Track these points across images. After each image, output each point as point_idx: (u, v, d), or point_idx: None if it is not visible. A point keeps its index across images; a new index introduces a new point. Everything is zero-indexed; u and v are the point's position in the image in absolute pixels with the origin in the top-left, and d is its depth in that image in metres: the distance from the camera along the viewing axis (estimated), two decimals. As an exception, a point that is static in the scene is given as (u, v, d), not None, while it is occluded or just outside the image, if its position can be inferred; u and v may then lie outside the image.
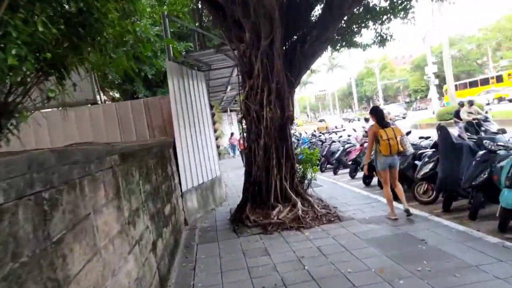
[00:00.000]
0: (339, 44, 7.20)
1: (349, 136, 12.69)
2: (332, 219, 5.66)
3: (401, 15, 6.78)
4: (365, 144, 9.52)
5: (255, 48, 6.00)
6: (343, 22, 6.79)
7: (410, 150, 5.71)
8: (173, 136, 6.44)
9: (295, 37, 6.17)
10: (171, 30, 11.24)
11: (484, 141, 4.99)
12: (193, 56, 7.58)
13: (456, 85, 42.03)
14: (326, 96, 70.45)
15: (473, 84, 38.30)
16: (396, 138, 5.36)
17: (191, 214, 6.57)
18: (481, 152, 5.13)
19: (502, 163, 4.79)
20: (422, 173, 6.11)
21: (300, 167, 6.82)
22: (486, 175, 4.86)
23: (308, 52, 5.77)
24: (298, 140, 15.10)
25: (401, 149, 5.41)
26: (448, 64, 20.01)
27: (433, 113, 22.80)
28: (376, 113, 5.69)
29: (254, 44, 5.99)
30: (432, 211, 5.78)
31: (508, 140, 4.99)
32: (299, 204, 5.86)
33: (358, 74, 71.96)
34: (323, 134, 14.14)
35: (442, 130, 5.73)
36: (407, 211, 5.38)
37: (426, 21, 22.30)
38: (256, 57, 5.94)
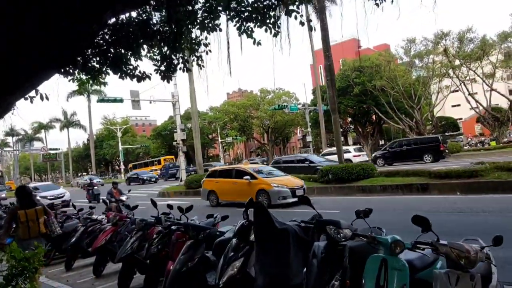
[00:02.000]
0: (99, 63, 4.35)
1: (91, 208, 9.20)
2: None
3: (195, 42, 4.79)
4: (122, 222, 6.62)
5: None
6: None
7: (57, 231, 5.62)
8: None
9: None
10: None
11: (328, 227, 3.32)
12: None
13: (135, 165, 51.45)
14: (59, 156, 60.85)
15: (147, 164, 50.84)
16: (37, 220, 5.20)
17: None
18: (320, 244, 3.43)
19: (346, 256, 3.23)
20: (227, 276, 3.87)
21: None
22: (339, 282, 3.12)
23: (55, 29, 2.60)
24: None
25: (44, 231, 5.28)
26: (197, 133, 20.18)
27: (181, 180, 22.18)
28: (20, 193, 5.39)
29: None
30: None
31: (351, 225, 3.50)
32: None
33: (98, 135, 67.15)
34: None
35: (259, 210, 3.78)
36: None
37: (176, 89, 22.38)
38: None
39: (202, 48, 5.04)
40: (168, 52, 4.45)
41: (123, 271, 5.54)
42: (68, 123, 59.82)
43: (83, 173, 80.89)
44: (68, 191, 22.39)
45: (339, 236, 3.28)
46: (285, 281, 3.47)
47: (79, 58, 4.60)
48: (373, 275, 2.87)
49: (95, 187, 20.59)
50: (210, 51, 5.19)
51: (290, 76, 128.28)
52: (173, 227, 5.17)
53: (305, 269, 3.41)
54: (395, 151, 23.57)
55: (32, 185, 21.12)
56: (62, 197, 20.07)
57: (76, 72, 5.04)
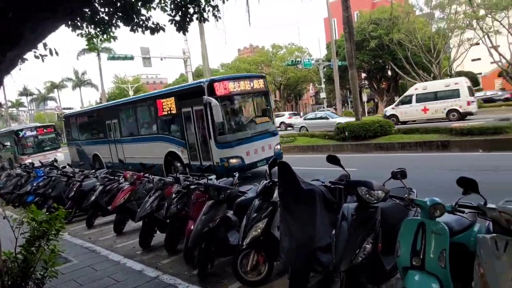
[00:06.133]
0: (108, 15, 4.02)
1: (109, 168, 9.15)
2: None
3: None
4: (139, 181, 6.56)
5: None
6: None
7: None
8: None
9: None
10: None
11: (359, 188, 3.12)
12: None
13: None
14: (72, 116, 61.32)
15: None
16: None
17: None
18: (350, 206, 3.26)
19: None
20: (250, 238, 3.77)
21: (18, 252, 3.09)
22: (370, 245, 2.98)
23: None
24: (28, 173, 10.22)
25: None
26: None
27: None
28: None
29: None
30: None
31: (384, 185, 3.27)
32: None
33: (110, 94, 67.09)
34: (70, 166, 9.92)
35: (283, 169, 3.58)
36: None
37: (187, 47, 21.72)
38: None
39: (219, -4, 4.63)
40: (182, 1, 4.06)
41: (144, 229, 5.56)
42: (80, 82, 59.57)
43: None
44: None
45: (371, 197, 3.09)
46: (311, 243, 3.35)
47: (86, 10, 4.29)
48: (409, 239, 2.71)
49: None
50: (227, -1, 4.78)
51: (302, 31, 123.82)
52: (192, 187, 5.08)
53: (333, 231, 3.27)
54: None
55: None
56: None
57: (84, 25, 4.74)
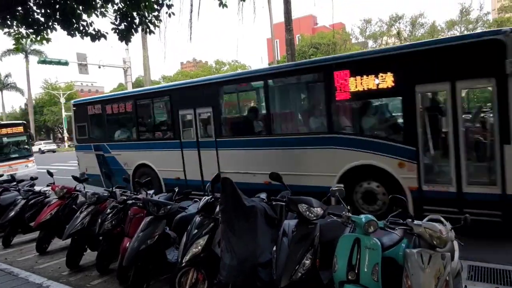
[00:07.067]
0: (45, 16, 3.77)
1: (33, 179, 8.28)
2: None
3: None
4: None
5: None
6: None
7: None
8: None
9: None
10: None
11: (300, 205, 3.21)
12: None
13: None
14: (-9, 121, 55.67)
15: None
16: None
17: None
18: (291, 223, 3.34)
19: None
20: (190, 255, 3.67)
21: None
22: (310, 260, 3.06)
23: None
24: None
25: None
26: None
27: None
28: None
29: None
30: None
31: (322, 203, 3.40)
32: None
33: (37, 100, 62.16)
34: None
35: (226, 186, 3.57)
36: None
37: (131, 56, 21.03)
38: None
39: (165, 9, 4.58)
40: (126, 8, 3.95)
41: (72, 247, 5.14)
42: (2, 85, 54.57)
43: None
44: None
45: (311, 214, 3.20)
46: (252, 259, 3.35)
47: (19, 8, 4.00)
48: (346, 254, 2.83)
49: None
50: (173, 13, 4.74)
51: (246, 49, 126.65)
52: (129, 202, 4.84)
53: (274, 248, 3.31)
54: None
55: None
56: None
57: (14, 24, 4.38)
